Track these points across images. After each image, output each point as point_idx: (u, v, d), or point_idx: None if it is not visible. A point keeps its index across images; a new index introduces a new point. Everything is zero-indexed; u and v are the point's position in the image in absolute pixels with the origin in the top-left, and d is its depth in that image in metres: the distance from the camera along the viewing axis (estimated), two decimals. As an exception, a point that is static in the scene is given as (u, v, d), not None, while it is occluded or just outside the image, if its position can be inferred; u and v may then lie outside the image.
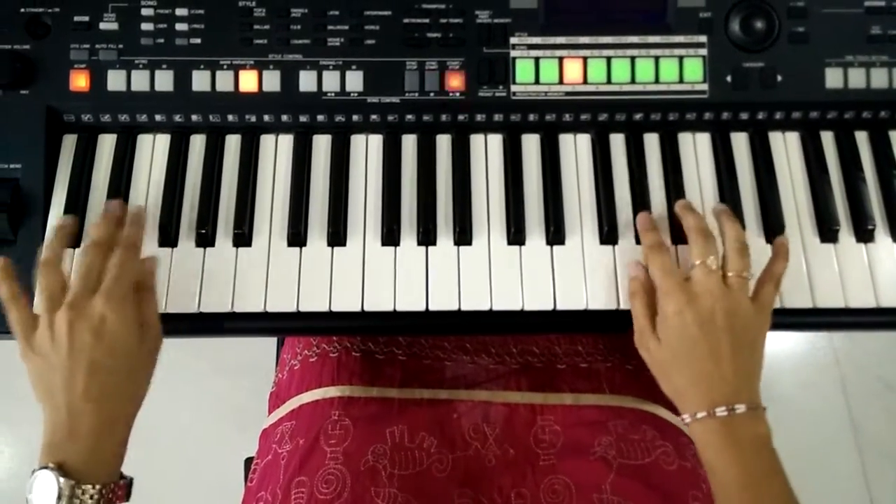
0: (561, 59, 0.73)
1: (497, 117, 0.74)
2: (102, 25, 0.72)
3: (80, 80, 0.72)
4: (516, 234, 0.70)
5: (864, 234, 0.71)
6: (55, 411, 0.59)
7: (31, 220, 0.70)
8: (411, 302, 0.69)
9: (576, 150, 0.74)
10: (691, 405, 0.62)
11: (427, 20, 0.73)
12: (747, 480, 0.58)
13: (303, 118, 0.73)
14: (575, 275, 0.70)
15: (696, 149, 0.74)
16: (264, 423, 0.84)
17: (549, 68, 0.72)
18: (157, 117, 0.73)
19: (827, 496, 1.57)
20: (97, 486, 0.57)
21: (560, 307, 0.69)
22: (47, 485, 0.56)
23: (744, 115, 0.74)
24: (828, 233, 0.71)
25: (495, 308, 0.69)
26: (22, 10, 0.72)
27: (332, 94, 0.72)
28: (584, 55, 0.73)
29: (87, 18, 0.72)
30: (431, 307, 0.68)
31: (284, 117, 0.73)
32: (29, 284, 0.65)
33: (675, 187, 0.72)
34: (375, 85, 0.72)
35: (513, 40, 0.73)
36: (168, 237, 0.70)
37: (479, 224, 0.71)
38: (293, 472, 0.70)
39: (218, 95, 0.72)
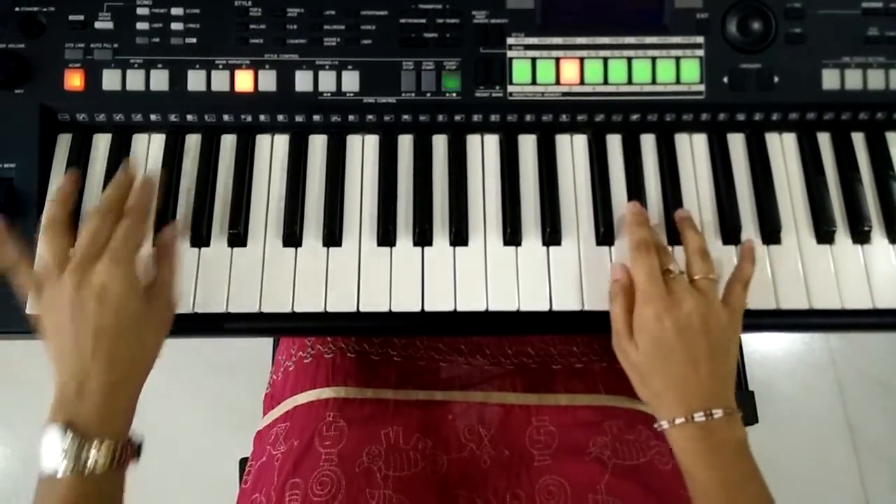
0: (558, 59, 0.72)
1: (493, 118, 0.73)
2: (97, 24, 0.72)
3: (74, 80, 0.71)
4: (512, 235, 0.70)
5: (860, 235, 0.71)
6: (64, 370, 0.58)
7: (25, 220, 0.70)
8: (407, 303, 0.68)
9: (572, 150, 0.74)
10: (669, 410, 0.62)
11: (424, 20, 0.73)
12: (726, 484, 0.59)
13: (299, 118, 0.73)
14: (571, 276, 0.69)
15: (692, 150, 0.74)
16: (259, 424, 0.84)
17: (546, 69, 0.72)
18: (153, 117, 0.73)
19: (823, 496, 1.57)
20: (104, 444, 0.56)
21: (556, 308, 0.69)
22: (54, 443, 0.55)
23: (740, 116, 0.74)
24: (824, 234, 0.71)
25: (491, 309, 0.68)
26: (16, 8, 0.72)
27: (329, 94, 0.72)
28: (581, 56, 0.73)
29: (82, 17, 0.72)
30: (427, 308, 0.68)
31: (280, 117, 0.73)
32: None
33: (671, 188, 0.72)
34: (372, 85, 0.72)
35: (509, 41, 0.73)
36: (163, 237, 0.70)
37: (476, 225, 0.71)
38: (287, 473, 0.70)
39: (214, 95, 0.72)
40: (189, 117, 0.73)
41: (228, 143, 0.74)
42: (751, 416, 1.63)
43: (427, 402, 0.76)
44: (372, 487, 0.67)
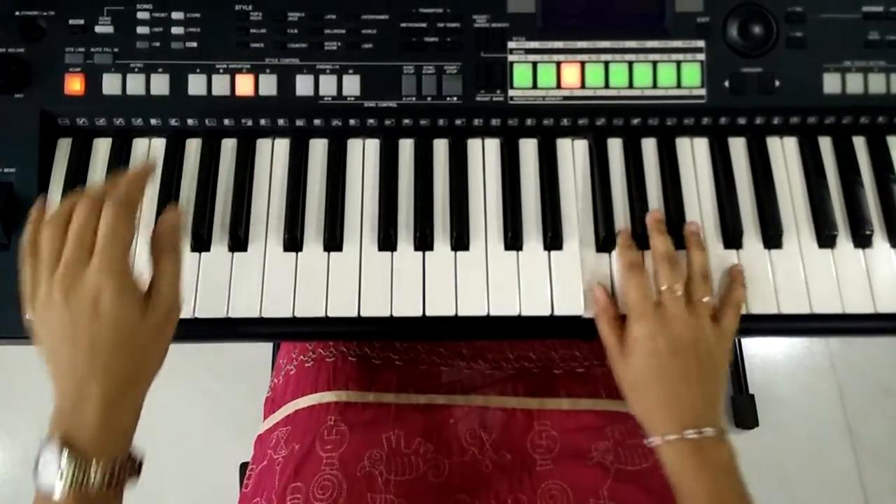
0: (559, 63, 0.72)
1: (494, 122, 0.73)
2: (98, 29, 0.72)
3: (75, 84, 0.71)
4: (513, 240, 0.70)
5: (861, 239, 0.71)
6: (61, 385, 0.56)
7: (25, 224, 0.70)
8: (408, 307, 0.68)
9: (573, 155, 0.74)
10: (661, 426, 0.63)
11: (424, 24, 0.73)
12: (713, 499, 0.60)
13: (299, 122, 0.73)
14: (572, 280, 0.69)
15: (693, 154, 0.74)
16: (260, 428, 0.84)
17: (547, 73, 0.72)
18: (153, 121, 0.73)
19: (823, 499, 1.57)
20: (101, 463, 0.53)
21: (557, 313, 0.69)
22: (51, 461, 0.52)
23: (742, 121, 0.74)
24: (825, 238, 0.71)
25: (492, 313, 0.68)
26: (17, 13, 0.72)
27: (329, 99, 0.72)
28: (582, 60, 0.73)
29: (82, 21, 0.72)
30: (428, 313, 0.68)
31: (281, 121, 0.73)
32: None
33: (672, 193, 0.72)
34: (372, 89, 0.72)
35: (510, 45, 0.73)
36: (163, 242, 0.70)
37: (476, 229, 0.71)
38: (289, 477, 0.70)
39: (214, 99, 0.72)
40: (190, 121, 0.73)
41: (229, 147, 0.74)
42: (751, 420, 1.63)
43: (428, 407, 0.76)
44: (373, 492, 0.67)
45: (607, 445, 0.72)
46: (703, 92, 0.72)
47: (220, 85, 0.72)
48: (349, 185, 0.73)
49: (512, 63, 0.72)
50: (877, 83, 0.73)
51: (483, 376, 0.79)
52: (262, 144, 0.74)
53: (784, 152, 0.75)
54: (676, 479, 0.62)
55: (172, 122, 0.73)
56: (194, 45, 0.72)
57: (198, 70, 0.72)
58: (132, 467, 0.56)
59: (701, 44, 0.73)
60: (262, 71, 0.72)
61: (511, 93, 0.72)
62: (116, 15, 0.72)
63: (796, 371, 1.69)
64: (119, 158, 0.73)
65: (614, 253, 0.70)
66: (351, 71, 0.72)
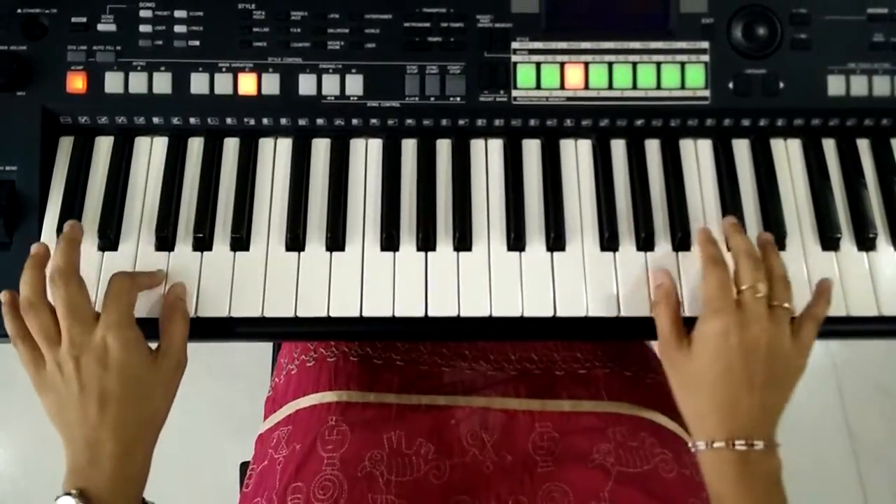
0: (562, 64, 0.72)
1: (498, 122, 0.73)
2: (100, 27, 0.72)
3: (76, 82, 0.71)
4: (516, 240, 0.70)
5: (865, 242, 0.71)
6: (73, 442, 0.59)
7: (26, 222, 0.70)
8: (410, 307, 0.68)
9: (577, 155, 0.74)
10: (708, 431, 0.61)
11: (428, 24, 0.72)
12: None
13: (302, 122, 0.73)
14: (575, 282, 0.69)
15: (697, 155, 0.74)
16: (260, 427, 0.83)
17: (551, 73, 0.72)
18: (155, 120, 0.73)
19: (822, 500, 1.57)
20: None
21: (560, 314, 0.68)
22: None
23: (745, 122, 0.74)
24: (829, 241, 0.71)
25: (495, 314, 0.68)
26: (19, 10, 0.72)
27: (332, 98, 0.72)
28: (586, 60, 0.72)
29: (84, 19, 0.72)
30: (430, 313, 0.68)
31: (283, 121, 0.73)
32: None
33: (676, 194, 0.72)
34: (375, 89, 0.72)
35: (514, 45, 0.72)
36: (165, 241, 0.70)
37: (479, 230, 0.71)
38: (289, 477, 0.70)
39: (216, 98, 0.72)
40: (192, 120, 0.73)
41: (231, 146, 0.74)
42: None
43: (430, 407, 0.76)
44: (374, 492, 0.67)
45: (609, 447, 0.72)
46: (707, 93, 0.72)
47: (223, 84, 0.71)
48: (352, 185, 0.72)
49: (515, 63, 0.72)
50: (881, 85, 0.72)
51: (485, 377, 0.79)
52: (265, 144, 0.74)
53: (788, 154, 0.74)
54: (717, 488, 0.60)
55: (174, 120, 0.73)
56: (197, 43, 0.72)
57: (200, 69, 0.72)
58: None
59: (705, 45, 0.73)
60: (265, 70, 0.72)
61: (514, 93, 0.72)
62: (119, 13, 0.72)
63: (796, 371, 1.69)
64: (121, 157, 0.72)
65: (618, 254, 0.70)
66: (354, 70, 0.72)
